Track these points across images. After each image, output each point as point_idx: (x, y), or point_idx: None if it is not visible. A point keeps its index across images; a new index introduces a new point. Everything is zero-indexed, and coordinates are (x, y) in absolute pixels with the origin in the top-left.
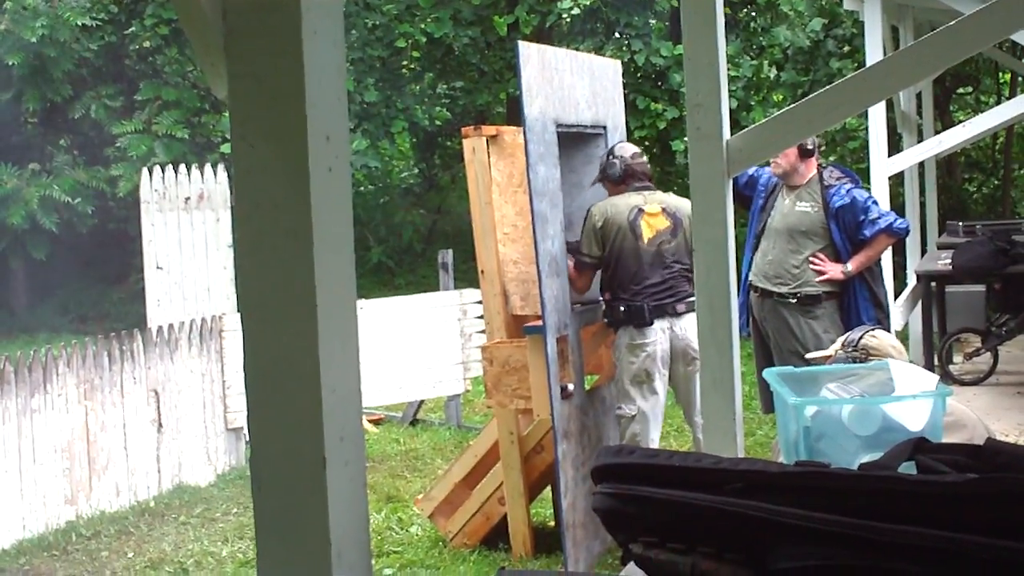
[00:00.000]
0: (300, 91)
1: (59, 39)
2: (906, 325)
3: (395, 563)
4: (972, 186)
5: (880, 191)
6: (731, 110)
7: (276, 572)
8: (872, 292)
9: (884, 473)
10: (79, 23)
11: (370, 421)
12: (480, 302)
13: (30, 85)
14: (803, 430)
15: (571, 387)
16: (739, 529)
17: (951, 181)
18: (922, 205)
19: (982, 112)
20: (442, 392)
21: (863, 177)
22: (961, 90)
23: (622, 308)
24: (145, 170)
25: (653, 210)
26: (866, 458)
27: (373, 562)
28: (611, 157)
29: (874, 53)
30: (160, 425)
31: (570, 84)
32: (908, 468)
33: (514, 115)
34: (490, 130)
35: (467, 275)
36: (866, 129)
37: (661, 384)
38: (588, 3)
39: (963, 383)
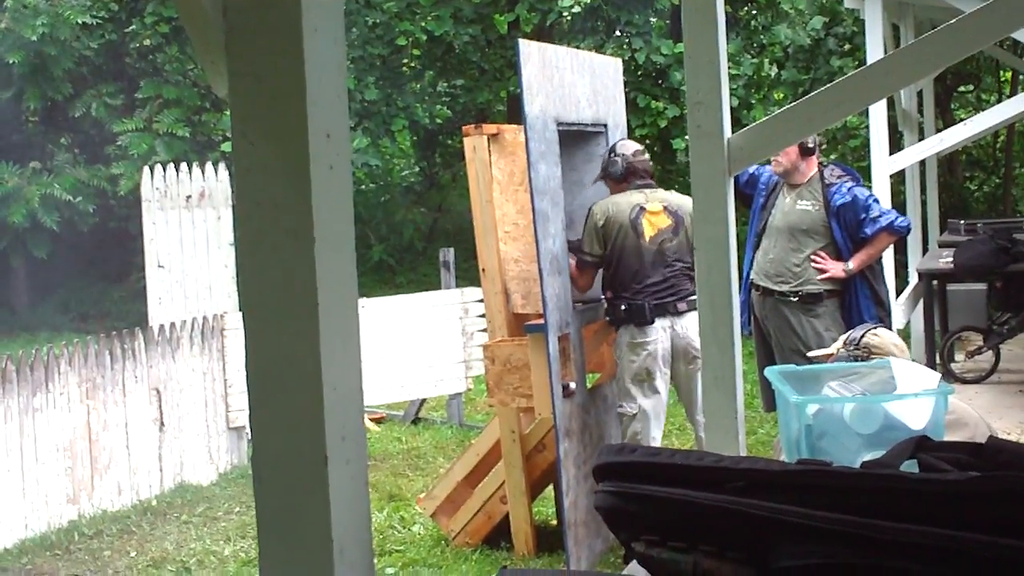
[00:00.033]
0: (301, 89)
1: (59, 37)
2: (907, 323)
3: (397, 562)
4: (973, 184)
5: (881, 189)
6: (732, 108)
7: (278, 571)
8: (873, 290)
9: (886, 471)
10: (79, 21)
11: (372, 420)
12: (481, 300)
13: (31, 83)
14: (805, 428)
15: (573, 385)
16: (741, 527)
17: (952, 179)
18: (923, 203)
19: (983, 110)
20: (444, 391)
21: (864, 175)
22: (962, 88)
23: (623, 307)
24: (146, 168)
25: (655, 208)
26: (868, 456)
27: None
28: (613, 155)
29: (875, 51)
30: (162, 424)
31: (571, 82)
32: (910, 466)
33: (515, 113)
34: (491, 128)
35: (468, 273)
36: (867, 127)
37: (662, 383)
38: (589, 1)
39: (965, 381)
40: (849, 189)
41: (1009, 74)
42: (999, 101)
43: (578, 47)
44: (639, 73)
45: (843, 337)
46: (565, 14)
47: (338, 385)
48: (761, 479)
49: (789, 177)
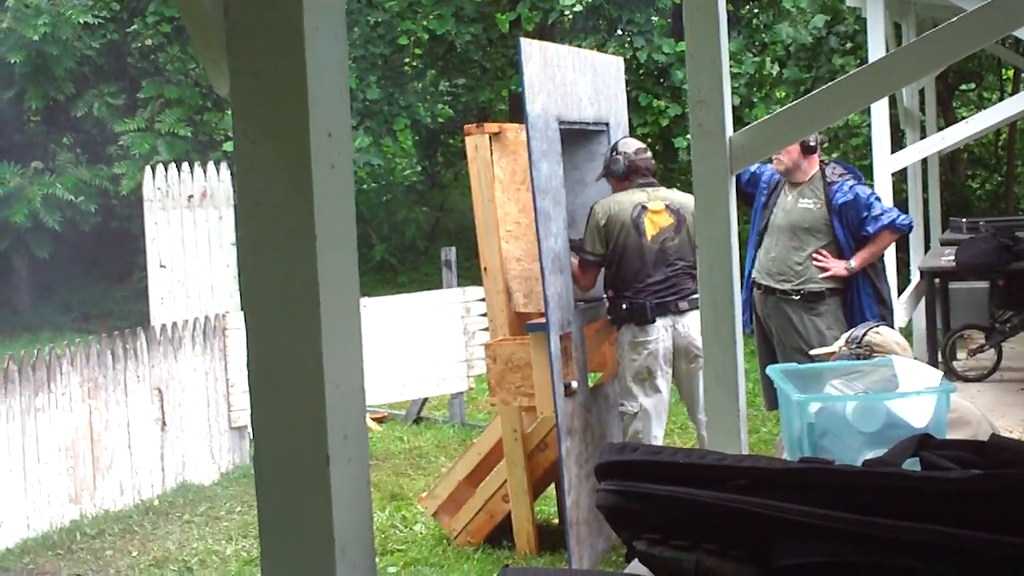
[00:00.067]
0: (302, 88)
1: (61, 37)
2: (910, 322)
3: (399, 561)
4: (975, 182)
5: (883, 188)
6: (733, 107)
7: (280, 570)
8: (875, 289)
9: (888, 469)
10: (81, 21)
11: (373, 419)
12: (483, 300)
13: (32, 83)
14: (807, 427)
15: (574, 384)
16: (743, 526)
17: (954, 177)
18: (925, 202)
19: (985, 108)
20: (445, 390)
21: (866, 174)
22: (964, 86)
23: (624, 305)
24: (148, 168)
25: (657, 207)
26: (870, 454)
27: (377, 560)
28: (615, 153)
29: (876, 50)
30: (164, 424)
31: (572, 81)
32: (912, 464)
33: (516, 112)
34: (492, 127)
35: (470, 272)
36: (869, 126)
37: (664, 381)
38: (590, 0)
39: (967, 379)
40: (851, 187)
41: (1011, 72)
42: (1001, 99)
43: (580, 46)
44: (641, 72)
45: (845, 335)
46: (567, 13)
47: (340, 384)
48: (763, 477)
49: (791, 175)
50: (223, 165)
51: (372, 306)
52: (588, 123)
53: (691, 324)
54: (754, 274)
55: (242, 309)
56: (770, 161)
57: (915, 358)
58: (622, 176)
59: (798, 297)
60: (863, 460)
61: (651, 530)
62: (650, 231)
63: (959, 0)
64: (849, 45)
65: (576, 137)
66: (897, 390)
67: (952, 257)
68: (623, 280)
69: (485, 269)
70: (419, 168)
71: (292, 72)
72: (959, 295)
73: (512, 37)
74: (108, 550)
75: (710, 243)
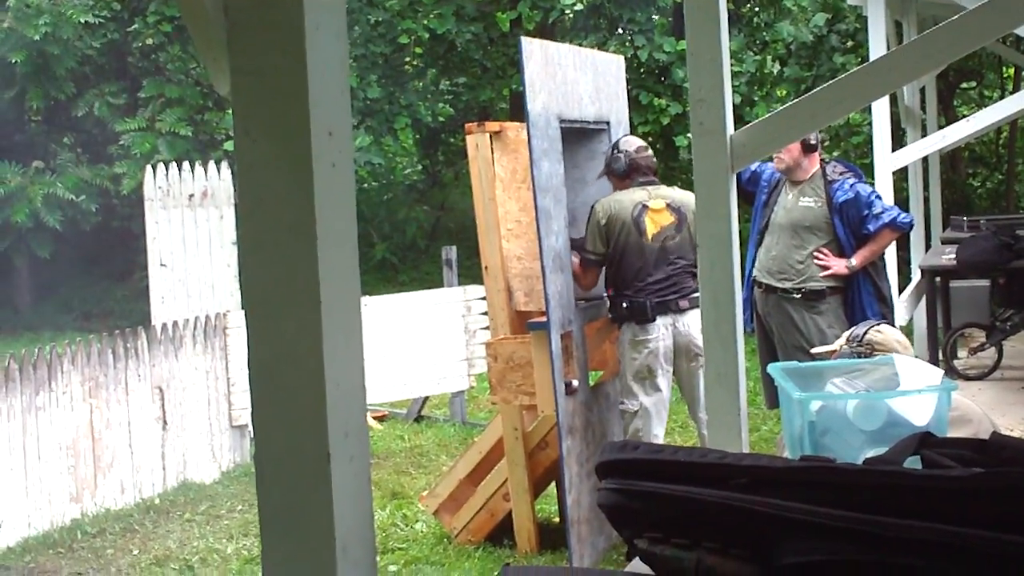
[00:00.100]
0: (303, 87)
1: (62, 36)
2: (910, 320)
3: (400, 559)
4: (976, 181)
5: (884, 186)
6: (734, 105)
7: (281, 569)
8: (876, 287)
9: (889, 468)
10: (82, 20)
11: (374, 418)
12: (484, 298)
13: (33, 83)
14: (808, 425)
15: (575, 383)
16: (744, 524)
17: (955, 176)
18: (926, 200)
19: (986, 107)
20: (446, 388)
21: (867, 172)
22: (965, 85)
23: (625, 304)
24: (149, 167)
25: (657, 206)
26: (871, 453)
27: (378, 558)
28: (616, 151)
29: (877, 48)
30: (165, 422)
31: (573, 80)
32: (913, 463)
33: (517, 111)
34: (493, 126)
35: (471, 271)
36: (869, 124)
37: (664, 380)
38: None
39: (968, 378)
40: (852, 186)
41: (1012, 70)
42: (1002, 97)
43: (580, 44)
44: (641, 70)
45: (846, 334)
46: (567, 12)
47: (341, 382)
48: (764, 476)
49: (791, 174)
50: (224, 164)
51: (373, 305)
52: (589, 122)
53: (692, 323)
54: (755, 273)
55: (243, 308)
56: (771, 159)
57: (916, 356)
58: (623, 174)
59: (799, 295)
60: (864, 458)
61: (652, 528)
62: (651, 230)
63: None
64: (850, 43)
65: (577, 136)
66: (898, 388)
67: (953, 255)
68: (624, 279)
69: (486, 268)
70: (420, 167)
71: (293, 71)
72: (960, 293)
73: (513, 36)
74: (109, 549)
75: (711, 241)
